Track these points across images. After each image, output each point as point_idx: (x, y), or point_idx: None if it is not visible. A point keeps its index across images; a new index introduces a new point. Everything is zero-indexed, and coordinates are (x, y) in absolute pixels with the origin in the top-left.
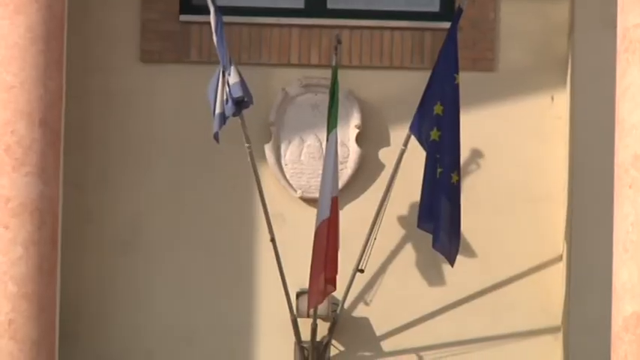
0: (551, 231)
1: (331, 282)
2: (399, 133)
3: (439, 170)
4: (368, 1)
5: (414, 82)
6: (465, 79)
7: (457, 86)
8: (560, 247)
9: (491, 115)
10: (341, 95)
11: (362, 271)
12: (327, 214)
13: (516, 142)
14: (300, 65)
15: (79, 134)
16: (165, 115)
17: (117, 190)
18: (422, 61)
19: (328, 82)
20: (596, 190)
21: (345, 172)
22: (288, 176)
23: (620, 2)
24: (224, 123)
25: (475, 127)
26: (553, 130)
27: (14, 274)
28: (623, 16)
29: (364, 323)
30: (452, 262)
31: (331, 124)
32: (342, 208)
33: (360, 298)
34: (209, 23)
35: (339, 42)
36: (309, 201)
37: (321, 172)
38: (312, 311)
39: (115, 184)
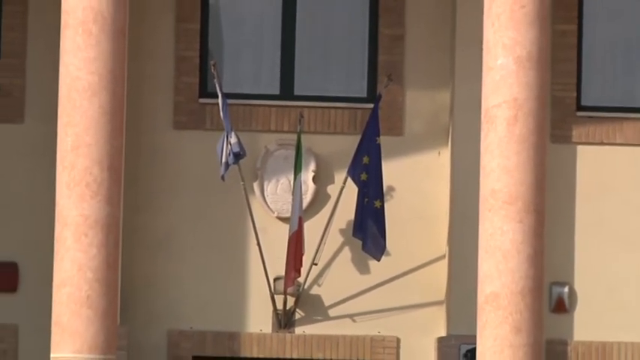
0: (438, 238)
1: (298, 272)
2: (340, 175)
3: (366, 200)
4: (320, 90)
5: (350, 143)
6: (383, 140)
7: (379, 145)
8: (444, 248)
9: (400, 163)
10: (303, 151)
11: (316, 264)
12: (295, 227)
13: (416, 181)
14: (276, 131)
15: (133, 174)
16: (189, 162)
17: (157, 210)
18: (355, 129)
19: (295, 142)
20: (467, 213)
21: (305, 200)
22: (268, 203)
23: (483, 91)
24: (227, 168)
25: (390, 171)
26: (440, 174)
27: (90, 266)
28: (485, 100)
29: (317, 298)
30: (378, 259)
31: (297, 170)
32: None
33: (315, 281)
34: (218, 104)
35: (301, 116)
36: (283, 219)
37: (290, 200)
38: (284, 290)
39: (156, 207)
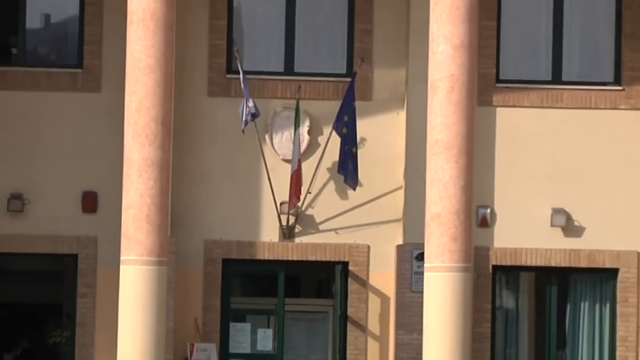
0: (397, 174)
1: (297, 198)
2: (327, 129)
3: (346, 147)
4: (313, 68)
5: (334, 106)
6: (358, 104)
7: (355, 108)
8: (401, 181)
9: (370, 121)
10: (301, 112)
11: (310, 192)
12: (295, 167)
13: (381, 134)
14: (282, 98)
15: (179, 128)
16: (219, 120)
17: (196, 154)
18: (338, 96)
19: (295, 106)
20: (418, 156)
21: (302, 147)
22: (276, 149)
23: (429, 69)
24: (247, 124)
25: (362, 126)
26: (398, 129)
27: (149, 194)
28: (430, 75)
29: (311, 217)
30: (354, 189)
31: (296, 125)
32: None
33: (309, 205)
34: (239, 78)
35: (299, 87)
36: (286, 161)
37: (291, 147)
38: (287, 211)
39: (195, 152)
